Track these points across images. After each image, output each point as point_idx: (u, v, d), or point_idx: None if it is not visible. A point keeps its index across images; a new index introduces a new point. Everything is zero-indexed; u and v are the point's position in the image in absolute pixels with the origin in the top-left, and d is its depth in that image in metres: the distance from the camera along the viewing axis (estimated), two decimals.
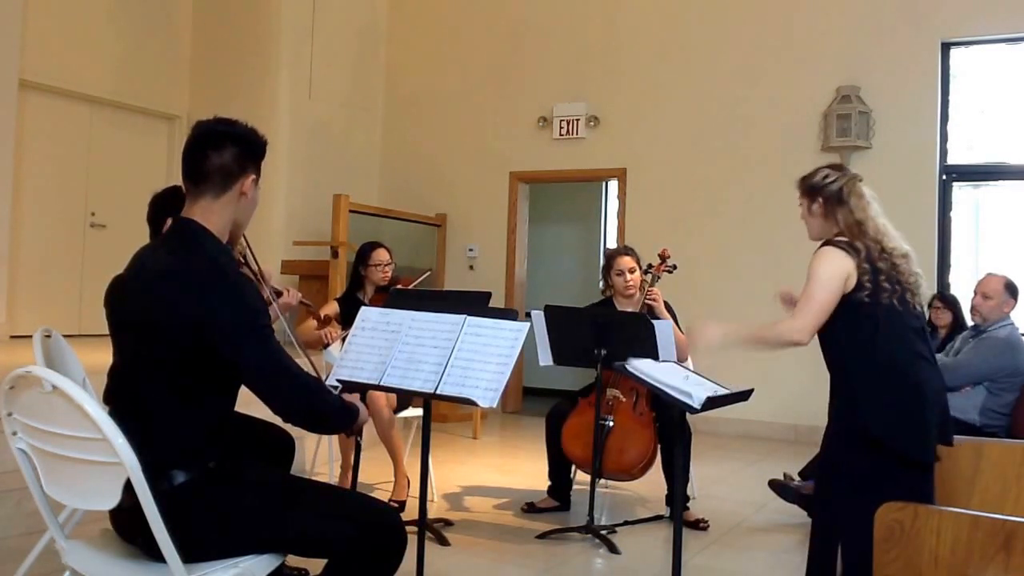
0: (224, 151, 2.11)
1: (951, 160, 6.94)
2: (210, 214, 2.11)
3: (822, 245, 2.84)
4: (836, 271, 2.73)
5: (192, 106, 8.12)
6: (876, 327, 2.72)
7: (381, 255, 4.80)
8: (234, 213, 2.16)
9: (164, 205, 2.92)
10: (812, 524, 2.96)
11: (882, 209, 2.88)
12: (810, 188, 2.92)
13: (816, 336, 2.83)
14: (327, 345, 4.37)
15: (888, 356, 2.73)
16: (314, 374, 2.44)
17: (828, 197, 2.86)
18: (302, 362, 2.51)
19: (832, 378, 2.85)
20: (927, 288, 2.88)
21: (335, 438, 4.90)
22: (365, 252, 4.84)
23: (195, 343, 1.97)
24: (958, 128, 6.95)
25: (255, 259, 2.97)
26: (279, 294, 3.22)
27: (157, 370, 2.02)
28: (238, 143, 2.14)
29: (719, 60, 7.50)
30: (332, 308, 4.76)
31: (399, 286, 4.77)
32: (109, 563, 2.03)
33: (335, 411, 2.20)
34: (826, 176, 2.90)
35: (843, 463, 2.75)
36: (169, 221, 2.82)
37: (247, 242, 2.79)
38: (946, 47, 6.89)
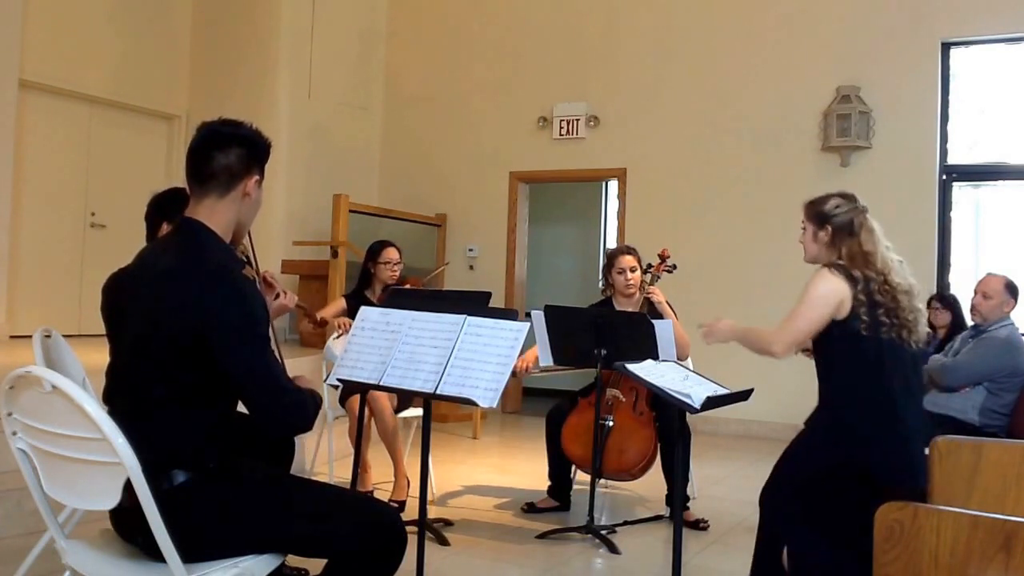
0: (229, 152, 2.12)
1: (951, 160, 6.94)
2: (214, 214, 2.12)
3: (823, 267, 2.84)
4: (829, 293, 2.75)
5: (191, 106, 8.12)
6: (876, 362, 2.75)
7: (391, 254, 4.82)
8: (238, 213, 2.17)
9: (162, 207, 2.93)
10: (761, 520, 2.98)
11: (889, 244, 2.90)
12: (819, 216, 2.92)
13: (814, 362, 2.87)
14: (340, 335, 4.42)
15: (886, 392, 2.76)
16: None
17: (838, 228, 2.87)
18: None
19: (824, 405, 2.87)
20: (924, 328, 2.88)
21: (342, 437, 4.92)
22: (375, 250, 4.86)
23: (196, 344, 1.97)
24: (958, 128, 6.95)
25: (256, 260, 2.96)
26: (276, 296, 3.21)
27: (157, 370, 2.02)
28: (243, 144, 2.15)
29: (719, 60, 7.50)
30: (339, 305, 4.79)
31: (408, 286, 4.80)
32: (109, 563, 2.03)
33: (311, 420, 2.18)
34: (837, 206, 2.90)
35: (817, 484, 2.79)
36: (164, 225, 2.84)
37: (251, 242, 2.78)
38: (946, 47, 6.89)
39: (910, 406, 2.79)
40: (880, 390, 2.75)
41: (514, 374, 4.34)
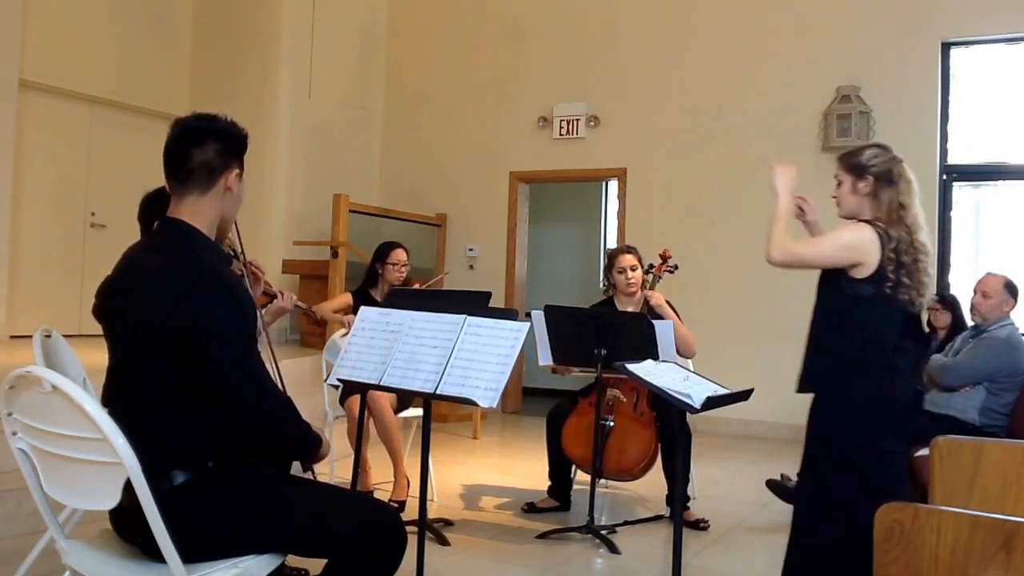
0: (206, 147, 2.10)
1: (951, 160, 6.94)
2: (197, 212, 2.10)
3: (862, 221, 2.82)
4: (856, 244, 2.76)
5: (192, 106, 8.08)
6: (877, 324, 2.77)
7: (399, 255, 4.87)
8: (221, 209, 2.15)
9: (155, 205, 2.92)
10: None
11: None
12: (857, 166, 2.89)
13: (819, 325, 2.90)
14: (346, 334, 4.44)
15: (881, 362, 2.79)
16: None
17: (879, 176, 2.84)
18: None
19: (824, 368, 2.93)
20: (931, 292, 2.90)
21: (342, 437, 4.91)
22: (384, 251, 4.91)
23: (189, 345, 1.96)
24: (958, 128, 6.95)
25: (244, 255, 2.93)
26: (273, 297, 3.18)
27: (153, 371, 2.01)
28: (220, 138, 2.12)
29: (719, 60, 7.50)
30: (345, 300, 4.88)
31: (416, 286, 4.84)
32: (109, 563, 2.03)
33: (300, 437, 2.17)
34: (875, 155, 2.89)
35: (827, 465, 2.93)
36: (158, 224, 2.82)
37: (238, 234, 2.75)
38: (946, 47, 6.89)
39: (898, 384, 2.82)
40: (877, 360, 2.79)
41: (554, 371, 4.38)
